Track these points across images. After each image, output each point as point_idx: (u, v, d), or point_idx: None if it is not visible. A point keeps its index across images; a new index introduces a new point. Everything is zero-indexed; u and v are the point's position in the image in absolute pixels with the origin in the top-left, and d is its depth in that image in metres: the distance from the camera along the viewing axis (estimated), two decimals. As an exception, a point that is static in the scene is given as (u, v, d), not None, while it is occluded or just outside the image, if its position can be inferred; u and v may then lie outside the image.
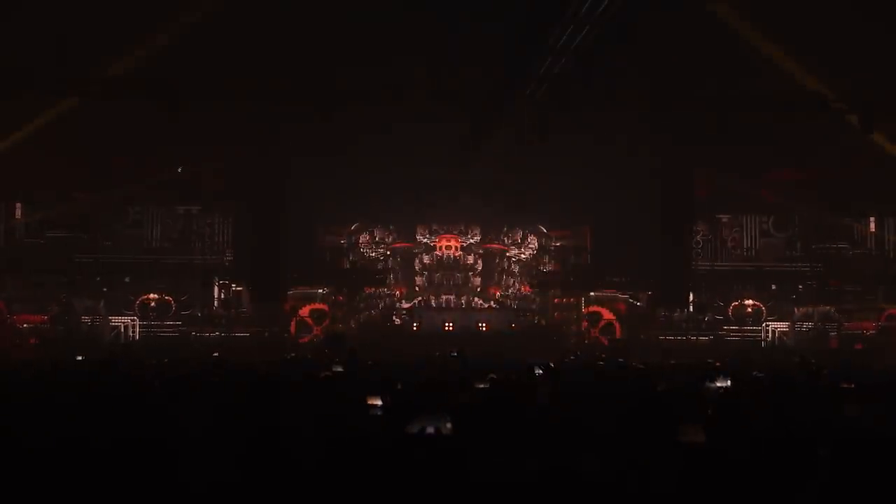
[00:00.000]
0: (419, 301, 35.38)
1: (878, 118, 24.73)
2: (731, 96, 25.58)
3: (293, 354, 24.72)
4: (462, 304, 35.44)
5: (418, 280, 35.68)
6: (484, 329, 32.29)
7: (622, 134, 28.41)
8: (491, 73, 22.78)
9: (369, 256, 35.90)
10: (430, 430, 5.49)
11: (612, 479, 4.59)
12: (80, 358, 17.03)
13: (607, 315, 34.40)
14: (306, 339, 32.94)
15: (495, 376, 10.76)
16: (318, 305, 34.15)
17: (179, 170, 32.13)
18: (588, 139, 28.60)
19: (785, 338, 33.69)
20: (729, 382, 10.67)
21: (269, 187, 30.82)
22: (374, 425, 7.03)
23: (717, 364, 18.06)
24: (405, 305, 35.37)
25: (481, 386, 10.07)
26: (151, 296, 33.95)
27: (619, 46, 21.96)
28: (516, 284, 36.08)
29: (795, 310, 34.31)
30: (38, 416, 6.86)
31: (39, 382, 10.58)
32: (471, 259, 35.68)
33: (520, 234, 36.09)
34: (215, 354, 23.13)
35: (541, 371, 13.22)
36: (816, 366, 16.65)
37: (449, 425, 5.62)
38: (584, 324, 33.93)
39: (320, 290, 34.25)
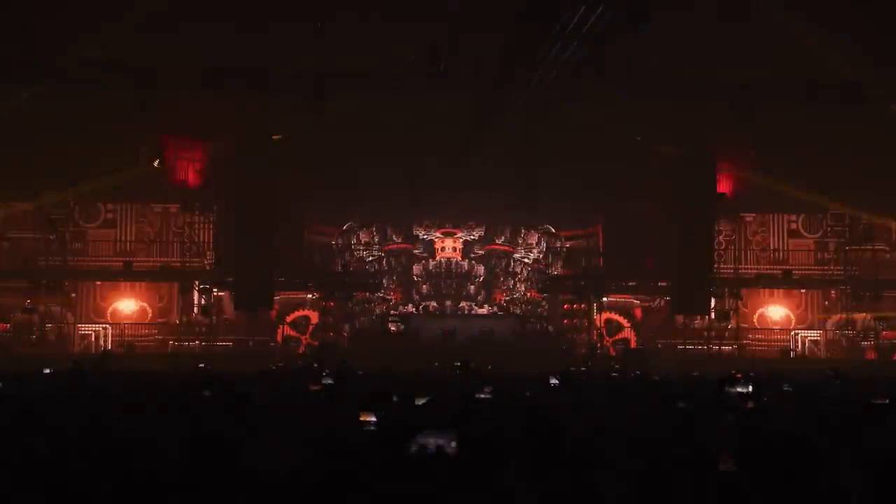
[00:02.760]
0: (417, 307, 35.34)
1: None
2: (758, 84, 25.53)
3: (281, 364, 24.64)
4: (464, 310, 35.40)
5: (416, 286, 35.65)
6: (487, 337, 32.14)
7: (638, 125, 28.37)
8: (495, 58, 22.71)
9: (363, 258, 35.84)
10: (433, 443, 5.42)
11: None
12: (47, 371, 16.84)
13: (621, 322, 34.34)
14: (294, 348, 32.86)
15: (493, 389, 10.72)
16: (306, 312, 34.08)
17: (156, 164, 32.06)
18: (600, 130, 28.56)
19: (816, 348, 33.60)
20: (750, 388, 10.62)
21: (254, 183, 30.73)
22: (368, 445, 6.96)
23: (738, 375, 17.95)
24: (402, 312, 35.31)
25: (484, 396, 10.06)
26: (125, 302, 33.87)
27: (636, 28, 21.90)
28: (522, 289, 36.03)
29: (828, 317, 34.24)
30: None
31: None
32: (473, 266, 35.64)
33: (526, 234, 36.04)
34: (201, 365, 23.05)
35: (556, 381, 13.24)
36: (850, 379, 16.57)
37: (454, 444, 5.56)
38: (596, 332, 33.86)
39: (309, 296, 34.18)
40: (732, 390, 10.51)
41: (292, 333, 33.75)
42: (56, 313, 33.09)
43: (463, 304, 35.54)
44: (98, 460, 5.62)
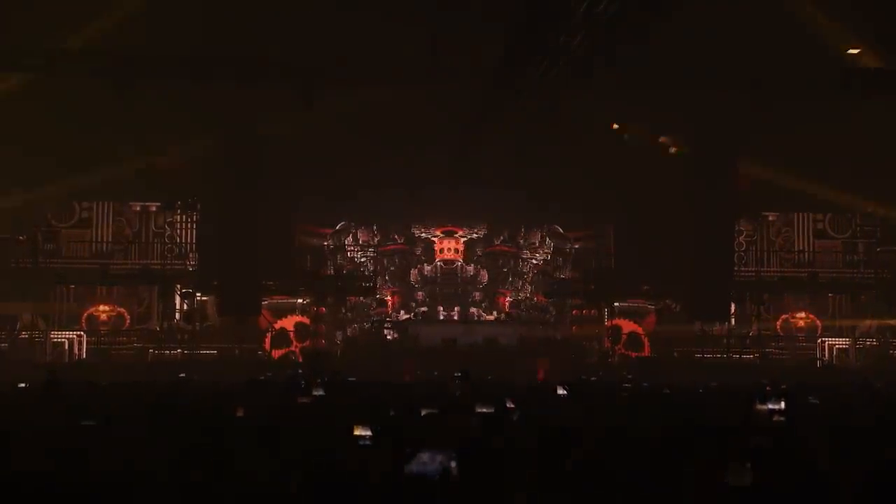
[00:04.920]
0: (415, 313, 35.34)
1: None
2: (780, 74, 25.52)
3: (270, 374, 24.65)
4: (465, 316, 35.41)
5: (415, 291, 35.68)
6: (491, 345, 32.17)
7: (652, 118, 28.36)
8: (499, 47, 22.71)
9: (357, 260, 35.85)
10: (429, 462, 5.42)
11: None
12: (22, 385, 16.79)
13: (634, 329, 34.33)
14: (283, 357, 32.85)
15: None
16: (296, 318, 34.08)
17: (140, 161, 32.02)
18: (612, 124, 28.57)
19: (845, 357, 33.54)
20: (783, 405, 10.57)
21: (239, 181, 30.74)
22: (361, 461, 6.96)
23: (769, 388, 17.97)
24: (399, 318, 35.33)
25: (486, 410, 10.07)
26: (101, 307, 33.86)
27: (649, 16, 21.89)
28: (528, 293, 36.04)
29: (857, 324, 34.21)
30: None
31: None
32: (475, 269, 35.66)
33: (532, 234, 36.04)
34: (182, 375, 23.07)
35: (565, 392, 13.27)
36: (882, 390, 16.58)
37: (454, 464, 5.55)
38: (608, 339, 33.85)
39: (300, 301, 34.19)
40: (763, 407, 10.43)
41: (281, 340, 33.71)
42: (26, 319, 33.03)
43: (464, 309, 35.53)
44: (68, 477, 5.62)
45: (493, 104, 25.34)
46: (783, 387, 15.34)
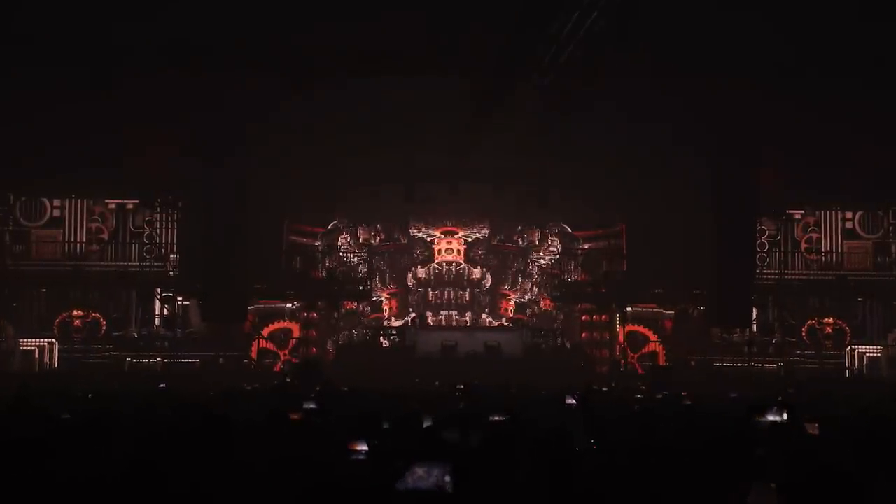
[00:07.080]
0: (413, 318, 35.43)
1: None
2: (807, 60, 25.56)
3: (256, 385, 24.74)
4: (466, 321, 35.50)
5: (413, 294, 35.78)
6: (494, 353, 32.28)
7: (667, 109, 28.42)
8: (502, 33, 22.80)
9: (350, 262, 35.93)
10: (425, 477, 5.51)
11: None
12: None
13: (648, 336, 34.41)
14: (271, 366, 32.93)
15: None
16: (285, 324, 34.16)
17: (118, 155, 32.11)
18: (623, 116, 28.63)
19: (876, 366, 33.57)
20: (785, 416, 10.61)
21: (224, 177, 30.78)
22: (357, 476, 7.05)
23: (780, 398, 18.05)
24: (395, 323, 35.41)
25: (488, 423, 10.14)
26: (75, 313, 33.89)
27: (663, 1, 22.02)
28: (534, 296, 36.12)
29: (889, 331, 34.29)
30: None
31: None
32: (477, 272, 35.75)
33: (538, 234, 36.13)
34: (162, 386, 23.15)
35: (573, 401, 13.34)
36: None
37: (448, 479, 5.64)
38: (619, 347, 33.94)
39: (289, 305, 34.27)
40: (762, 419, 10.49)
41: (269, 348, 33.80)
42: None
43: (466, 314, 35.62)
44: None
45: (496, 96, 25.42)
46: (779, 398, 15.39)
